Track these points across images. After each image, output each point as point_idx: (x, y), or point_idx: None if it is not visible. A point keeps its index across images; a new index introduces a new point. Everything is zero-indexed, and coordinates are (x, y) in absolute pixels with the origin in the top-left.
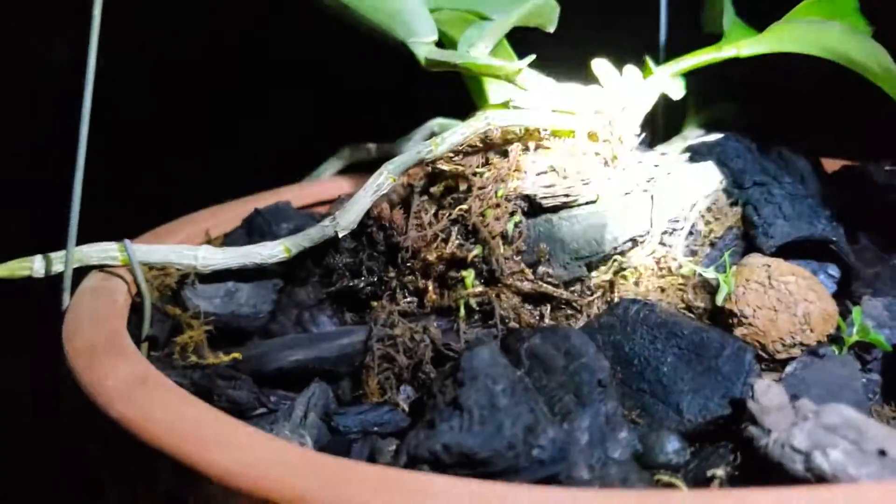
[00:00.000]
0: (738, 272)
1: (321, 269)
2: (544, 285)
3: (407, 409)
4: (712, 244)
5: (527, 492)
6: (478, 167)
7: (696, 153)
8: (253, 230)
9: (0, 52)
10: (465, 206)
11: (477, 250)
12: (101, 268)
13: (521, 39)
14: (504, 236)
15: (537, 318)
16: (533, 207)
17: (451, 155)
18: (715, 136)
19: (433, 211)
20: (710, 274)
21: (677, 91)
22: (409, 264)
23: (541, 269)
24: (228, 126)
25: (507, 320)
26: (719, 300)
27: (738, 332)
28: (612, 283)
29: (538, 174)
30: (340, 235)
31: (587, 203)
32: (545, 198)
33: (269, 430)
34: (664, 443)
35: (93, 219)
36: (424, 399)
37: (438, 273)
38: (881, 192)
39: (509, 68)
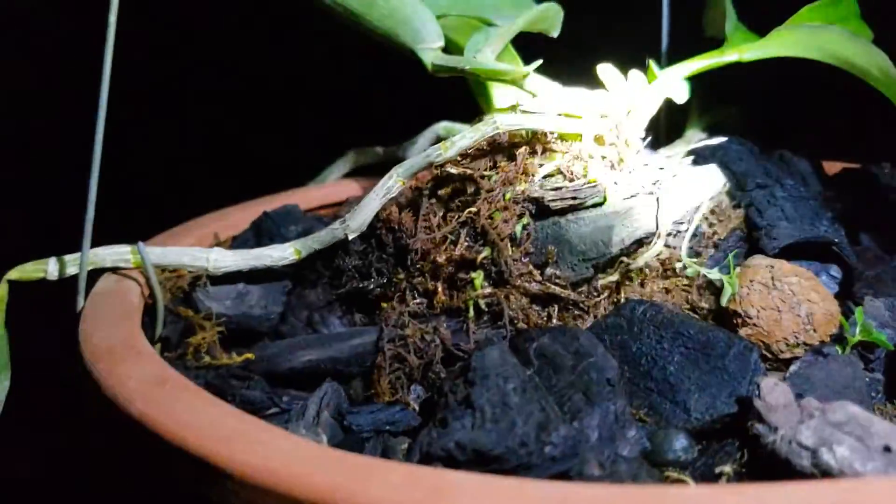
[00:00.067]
0: (742, 273)
1: (331, 272)
2: (552, 286)
3: (417, 408)
4: (716, 246)
5: (544, 487)
6: (486, 170)
7: (700, 156)
8: (261, 233)
9: (16, 56)
10: (473, 209)
11: (486, 252)
12: (113, 270)
13: (524, 45)
14: (512, 238)
15: (545, 318)
16: (541, 210)
17: (460, 158)
18: (717, 140)
19: (441, 213)
20: (714, 275)
21: (681, 95)
22: (418, 266)
23: (549, 270)
24: (235, 130)
25: (515, 321)
26: (724, 301)
27: (743, 332)
28: (618, 285)
29: (545, 177)
30: (350, 238)
31: (594, 205)
32: (553, 200)
33: (283, 429)
34: (672, 440)
35: (100, 222)
36: (435, 398)
37: (448, 274)
38: (882, 194)
39: (516, 73)
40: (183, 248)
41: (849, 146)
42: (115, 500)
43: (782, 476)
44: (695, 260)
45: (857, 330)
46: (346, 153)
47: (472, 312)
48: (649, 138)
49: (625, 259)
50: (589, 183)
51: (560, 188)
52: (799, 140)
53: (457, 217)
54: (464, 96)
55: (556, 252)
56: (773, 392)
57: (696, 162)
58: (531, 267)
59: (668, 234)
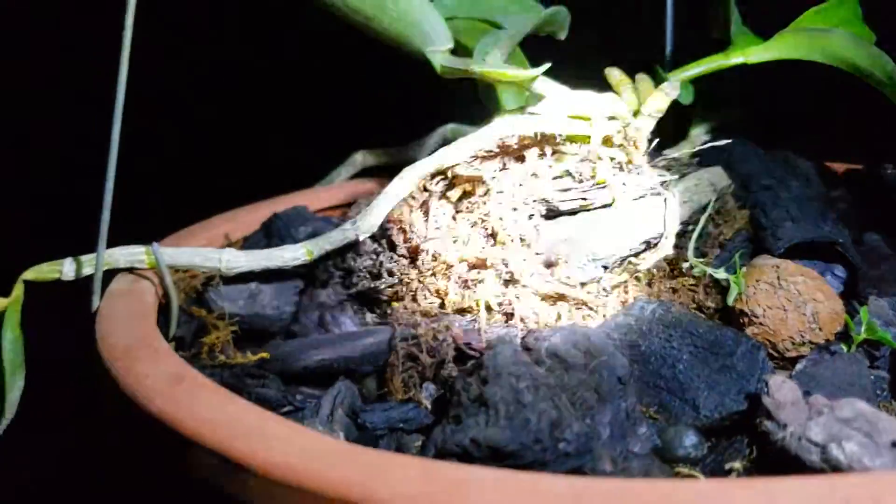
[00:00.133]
0: (748, 273)
1: (342, 272)
2: (562, 286)
3: (430, 406)
4: (721, 246)
5: (561, 481)
6: (496, 172)
7: (705, 158)
8: (271, 233)
9: (31, 57)
10: (484, 210)
11: (496, 252)
12: (128, 270)
13: (529, 49)
14: (523, 239)
15: (555, 318)
16: (550, 210)
17: (470, 160)
18: (722, 142)
19: (451, 214)
20: (721, 275)
21: (687, 97)
22: (429, 266)
23: (558, 270)
24: (243, 132)
25: (526, 320)
26: (730, 300)
27: (749, 331)
28: (626, 284)
29: (555, 178)
30: (361, 238)
31: (603, 206)
32: (562, 201)
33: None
34: (682, 437)
35: (110, 223)
36: (447, 396)
37: (459, 275)
38: (885, 195)
39: (525, 75)
40: (196, 249)
41: (852, 148)
42: (132, 498)
43: (791, 472)
44: (701, 260)
45: (863, 328)
46: (354, 155)
47: (483, 312)
48: (657, 140)
49: (633, 259)
50: (598, 184)
51: (569, 189)
52: (803, 142)
53: (468, 218)
54: (471, 99)
55: (566, 252)
56: (782, 389)
57: (701, 164)
58: (541, 267)
59: (676, 235)
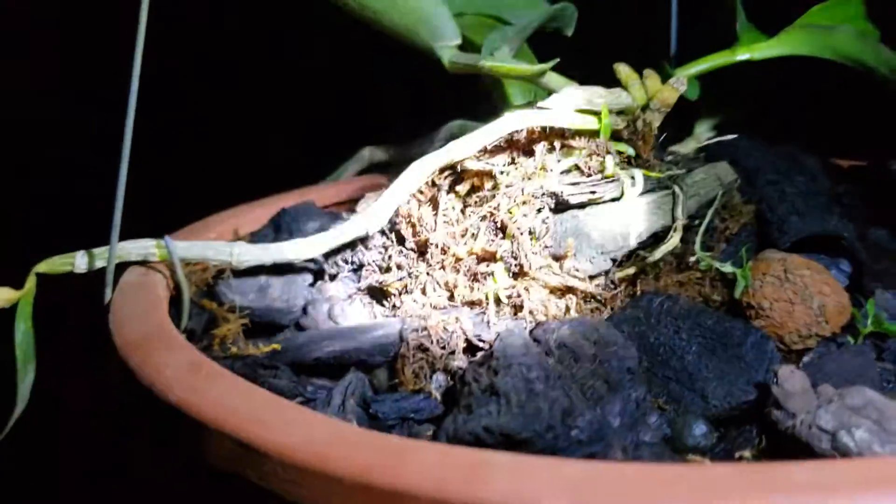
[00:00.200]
0: (755, 267)
1: (351, 266)
2: (571, 279)
3: (440, 397)
4: (728, 240)
5: (579, 465)
6: (504, 166)
7: (710, 153)
8: (280, 228)
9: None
10: (493, 204)
11: (505, 245)
12: (139, 263)
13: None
14: (531, 232)
15: (563, 310)
16: (559, 204)
17: (478, 154)
18: (728, 137)
19: (460, 208)
20: (727, 268)
21: (693, 93)
22: (439, 260)
23: (567, 263)
24: (250, 129)
25: (534, 313)
26: (737, 294)
27: (756, 324)
28: (634, 278)
29: (563, 172)
30: (371, 233)
31: (612, 200)
32: (571, 195)
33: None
34: (692, 427)
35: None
36: (458, 387)
37: (468, 268)
38: (890, 191)
39: (534, 70)
40: (207, 242)
41: (857, 144)
42: (147, 487)
43: (802, 459)
44: (708, 254)
45: (869, 321)
46: (361, 151)
47: (492, 304)
48: (664, 135)
49: (641, 252)
50: (606, 178)
51: (578, 183)
52: (807, 138)
53: (477, 212)
54: (477, 95)
55: (575, 245)
56: (791, 379)
57: (707, 159)
58: (550, 260)
59: (684, 229)
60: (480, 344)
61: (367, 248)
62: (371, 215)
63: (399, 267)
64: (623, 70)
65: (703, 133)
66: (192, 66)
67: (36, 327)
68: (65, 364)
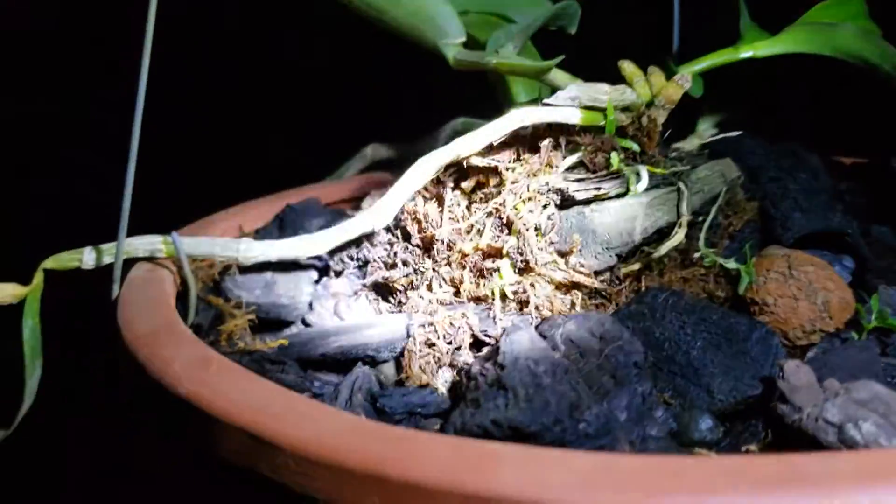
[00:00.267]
0: (759, 263)
1: (357, 262)
2: (576, 275)
3: (446, 392)
4: (731, 237)
5: (589, 457)
6: (510, 162)
7: (714, 150)
8: (284, 225)
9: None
10: (499, 200)
11: (511, 241)
12: (145, 259)
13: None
14: (537, 228)
15: (569, 305)
16: (565, 200)
17: (484, 151)
18: (731, 134)
19: (465, 205)
20: (731, 264)
21: (697, 90)
22: (445, 256)
23: (573, 259)
24: (253, 127)
25: (540, 308)
26: (741, 290)
27: (760, 320)
28: (639, 273)
29: (569, 168)
30: (376, 230)
31: (617, 196)
32: (577, 191)
33: None
34: (698, 421)
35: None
36: (464, 382)
37: (474, 264)
38: (892, 188)
39: (539, 67)
40: (213, 238)
41: (859, 141)
42: (158, 481)
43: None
44: (712, 250)
45: (873, 317)
46: (364, 149)
47: (498, 300)
48: (669, 131)
49: (646, 248)
50: (611, 174)
51: (583, 179)
52: (810, 135)
53: (482, 208)
54: (481, 93)
55: (581, 241)
56: (797, 373)
57: (710, 156)
58: (556, 256)
59: (689, 225)
60: (486, 339)
61: (372, 244)
62: (376, 212)
63: (405, 263)
64: (628, 67)
65: (706, 130)
66: (195, 64)
67: (43, 323)
68: (72, 359)
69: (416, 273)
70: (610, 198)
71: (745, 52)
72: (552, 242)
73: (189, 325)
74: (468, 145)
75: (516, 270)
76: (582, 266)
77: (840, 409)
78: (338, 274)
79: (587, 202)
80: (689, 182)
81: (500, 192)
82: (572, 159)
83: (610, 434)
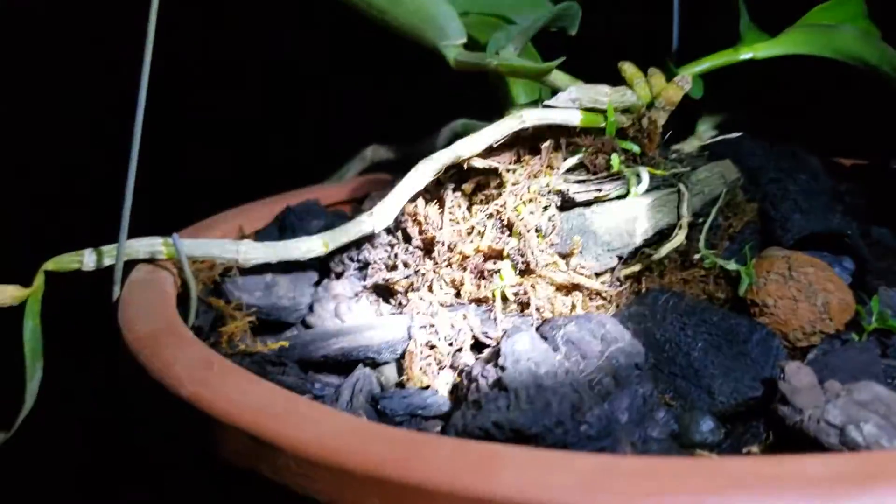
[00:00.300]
0: (759, 264)
1: (357, 264)
2: (577, 276)
3: (447, 393)
4: (731, 238)
5: (591, 458)
6: (510, 164)
7: (714, 152)
8: (285, 227)
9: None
10: (500, 202)
11: (512, 243)
12: (146, 261)
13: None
14: (538, 229)
15: (570, 307)
16: (565, 202)
17: (485, 153)
18: (731, 136)
19: (466, 206)
20: (732, 266)
21: (697, 91)
22: (445, 257)
23: (574, 260)
24: (253, 128)
25: (541, 310)
26: (741, 291)
27: (760, 321)
28: (639, 275)
29: (569, 170)
30: (377, 231)
31: (617, 197)
32: (577, 193)
33: None
34: (699, 422)
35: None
36: (465, 383)
37: (475, 265)
38: (892, 189)
39: (540, 68)
40: (213, 240)
41: (858, 142)
42: (159, 482)
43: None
44: (712, 252)
45: (874, 318)
46: (364, 150)
47: (499, 302)
48: (669, 133)
49: (647, 250)
50: (612, 175)
51: (584, 181)
52: (809, 137)
53: (483, 210)
54: (481, 94)
55: (581, 243)
56: (798, 374)
57: (710, 157)
58: (556, 257)
59: (689, 226)
60: (487, 341)
61: (373, 246)
62: (377, 214)
63: (405, 265)
64: (628, 68)
65: (706, 132)
66: (196, 64)
67: (44, 325)
68: (73, 361)
69: (417, 275)
70: (610, 199)
71: (745, 54)
72: (553, 244)
73: (190, 327)
74: (469, 147)
75: (517, 272)
76: (583, 267)
77: (841, 411)
78: (338, 275)
79: (588, 204)
80: (690, 183)
81: (500, 194)
82: (573, 161)
83: (611, 436)
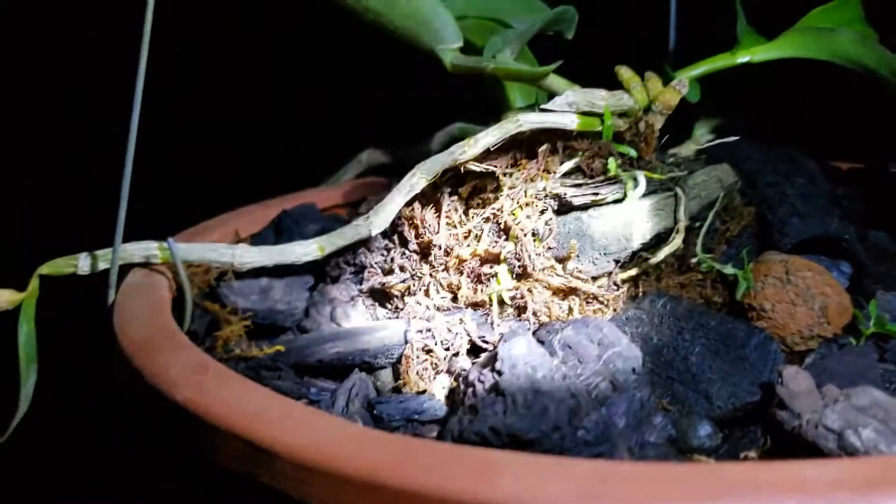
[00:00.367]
0: (756, 268)
1: (353, 268)
2: (574, 280)
3: (443, 398)
4: (728, 242)
5: (588, 465)
6: (507, 168)
7: (711, 156)
8: (281, 230)
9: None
10: (496, 206)
11: (509, 247)
12: (141, 265)
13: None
14: (535, 233)
15: (566, 311)
16: (562, 206)
17: (481, 156)
18: (728, 139)
19: (463, 210)
20: (729, 270)
21: (694, 95)
22: (442, 261)
23: (570, 264)
24: (248, 132)
25: (538, 314)
26: (739, 295)
27: (757, 325)
28: (636, 279)
29: (566, 174)
30: (374, 234)
31: (614, 201)
32: (574, 196)
33: None
34: (696, 427)
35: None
36: (462, 388)
37: (471, 269)
38: (889, 193)
39: (537, 72)
40: (208, 244)
41: (856, 146)
42: (154, 487)
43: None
44: (709, 256)
45: (871, 322)
46: (360, 154)
47: (495, 306)
48: (666, 136)
49: (644, 254)
50: (609, 179)
51: (581, 185)
52: (806, 141)
53: (480, 213)
54: (477, 98)
55: (578, 247)
56: (796, 379)
57: (707, 161)
58: (553, 261)
59: (686, 230)
60: (484, 345)
61: (369, 250)
62: (373, 217)
63: (402, 269)
64: (625, 72)
65: (703, 135)
66: (192, 67)
67: (39, 329)
68: (68, 365)
69: (414, 279)
70: (607, 203)
71: (742, 57)
72: (550, 248)
73: (185, 332)
74: (465, 151)
75: (514, 276)
76: (580, 271)
77: (840, 416)
78: (334, 280)
79: (585, 208)
80: (687, 187)
81: (497, 198)
82: (570, 165)
83: (608, 441)
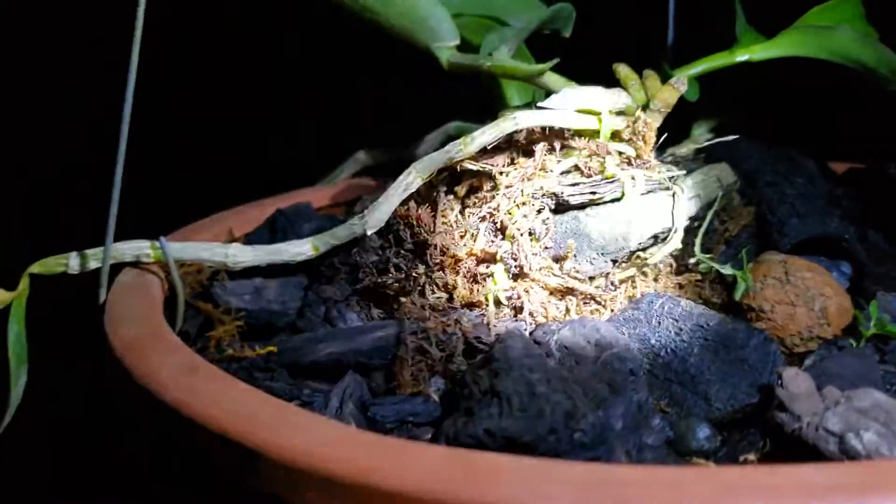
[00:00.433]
0: (755, 269)
1: (348, 267)
2: (571, 280)
3: (438, 400)
4: (727, 242)
5: (583, 468)
6: (504, 166)
7: (710, 155)
8: (275, 229)
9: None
10: (493, 205)
11: (505, 247)
12: (133, 265)
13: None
14: (531, 233)
15: (564, 311)
16: (559, 205)
17: (478, 155)
18: (727, 139)
19: (459, 209)
20: (728, 270)
21: (693, 94)
22: (438, 261)
23: (567, 264)
24: (244, 130)
25: (534, 314)
26: (737, 296)
27: (757, 326)
28: (634, 279)
29: (563, 173)
30: (369, 234)
31: (612, 201)
32: (571, 196)
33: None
34: (695, 430)
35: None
36: (457, 390)
37: (468, 269)
38: (888, 193)
39: (534, 70)
40: (202, 243)
41: (856, 145)
42: (145, 489)
43: (809, 461)
44: (707, 256)
45: (872, 323)
46: (356, 153)
47: (492, 306)
48: (665, 135)
49: (641, 254)
50: (607, 178)
51: (578, 184)
52: (806, 140)
53: (476, 213)
54: (474, 96)
55: (575, 246)
56: (796, 381)
57: (706, 160)
58: (550, 261)
59: (684, 230)
60: (480, 346)
61: (364, 249)
62: (368, 217)
63: (397, 268)
64: (622, 70)
65: (702, 134)
66: (189, 66)
67: (29, 329)
68: (58, 365)
69: (409, 278)
70: (605, 203)
71: (741, 56)
72: (547, 247)
73: (177, 332)
74: (461, 149)
75: (510, 276)
76: (577, 271)
77: (841, 418)
78: (329, 279)
79: (582, 207)
80: (685, 187)
81: (493, 197)
82: (567, 163)
83: (606, 444)
